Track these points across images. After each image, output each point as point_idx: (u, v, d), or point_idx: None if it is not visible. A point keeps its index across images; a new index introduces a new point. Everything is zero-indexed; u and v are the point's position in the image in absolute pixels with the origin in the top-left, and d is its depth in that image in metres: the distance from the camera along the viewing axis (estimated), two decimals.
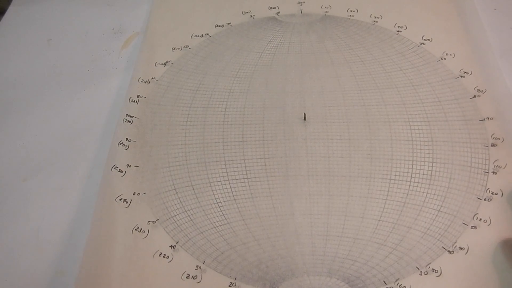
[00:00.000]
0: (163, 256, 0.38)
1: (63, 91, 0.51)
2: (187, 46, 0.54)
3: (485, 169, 0.41)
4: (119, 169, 0.42)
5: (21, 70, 0.53)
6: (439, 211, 0.39)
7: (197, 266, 0.37)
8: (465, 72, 0.49)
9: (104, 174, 0.42)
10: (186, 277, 0.37)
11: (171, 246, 0.38)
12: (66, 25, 0.58)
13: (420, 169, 0.42)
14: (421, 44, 0.52)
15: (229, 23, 0.56)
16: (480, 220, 0.39)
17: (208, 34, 0.55)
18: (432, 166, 0.42)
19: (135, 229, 0.39)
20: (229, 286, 0.36)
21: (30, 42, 0.56)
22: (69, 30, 0.58)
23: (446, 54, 0.51)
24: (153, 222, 0.40)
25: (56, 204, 0.41)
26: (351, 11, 0.56)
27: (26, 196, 0.42)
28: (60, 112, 0.49)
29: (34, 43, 0.56)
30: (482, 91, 0.47)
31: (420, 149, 0.43)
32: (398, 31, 0.54)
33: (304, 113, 0.46)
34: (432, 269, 0.36)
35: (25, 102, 0.50)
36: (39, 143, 0.46)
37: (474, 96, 0.47)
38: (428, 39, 0.53)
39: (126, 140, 0.44)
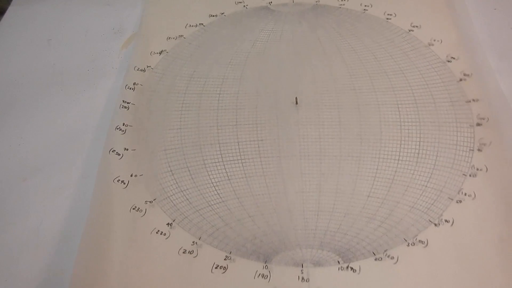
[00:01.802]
0: (160, 233, 0.39)
1: (63, 91, 0.51)
2: (182, 35, 0.55)
3: (470, 147, 0.43)
4: (117, 152, 0.44)
5: (21, 70, 0.53)
6: (425, 186, 0.41)
7: (193, 242, 0.39)
8: (452, 57, 0.50)
9: (102, 156, 0.43)
10: (183, 252, 0.38)
11: (168, 224, 0.40)
12: (66, 25, 0.58)
13: (408, 149, 0.43)
14: (409, 30, 0.54)
15: (222, 13, 0.57)
16: (465, 194, 0.40)
17: (202, 24, 0.56)
18: (419, 146, 0.43)
19: (133, 208, 0.40)
20: (225, 259, 0.38)
21: (30, 42, 0.57)
22: (69, 30, 0.58)
23: (434, 40, 0.52)
24: (150, 202, 0.41)
25: (55, 204, 0.42)
26: (341, 0, 0.58)
27: (26, 196, 0.42)
28: (60, 112, 0.49)
29: (34, 43, 0.57)
30: (468, 74, 0.48)
31: (408, 130, 0.45)
32: (387, 18, 0.55)
33: (296, 97, 0.47)
34: (419, 240, 0.38)
35: (25, 102, 0.50)
36: (39, 143, 0.46)
37: (461, 80, 0.48)
38: (417, 26, 0.54)
39: (123, 125, 0.46)
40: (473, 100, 0.46)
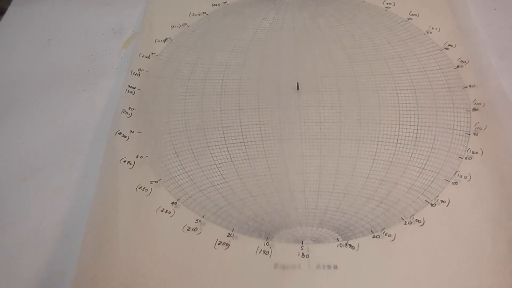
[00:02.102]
0: (165, 212, 0.40)
1: (63, 91, 0.51)
2: (186, 24, 0.56)
3: (466, 131, 0.44)
4: (123, 134, 0.45)
5: (21, 70, 0.53)
6: (423, 168, 0.42)
7: (197, 220, 0.40)
8: (449, 45, 0.51)
9: (109, 138, 0.45)
10: (187, 230, 0.39)
11: (172, 203, 0.41)
12: (66, 25, 0.58)
13: (406, 132, 0.45)
14: (408, 19, 0.55)
15: (225, 2, 0.58)
16: (461, 176, 0.41)
17: (205, 12, 0.58)
18: (417, 129, 0.45)
19: (139, 188, 0.42)
20: (227, 236, 0.39)
21: (30, 42, 0.56)
22: (69, 30, 0.57)
23: (432, 28, 0.53)
24: (155, 182, 0.42)
25: (55, 204, 0.42)
26: None
27: (26, 196, 0.42)
28: (60, 112, 0.49)
29: (34, 43, 0.56)
30: (465, 62, 0.50)
31: (406, 114, 0.46)
32: (386, 7, 0.56)
33: (297, 83, 0.48)
34: (416, 219, 0.39)
35: (25, 102, 0.50)
36: (39, 143, 0.46)
37: (458, 67, 0.49)
38: (415, 15, 0.55)
39: (129, 109, 0.47)
40: (470, 86, 0.47)
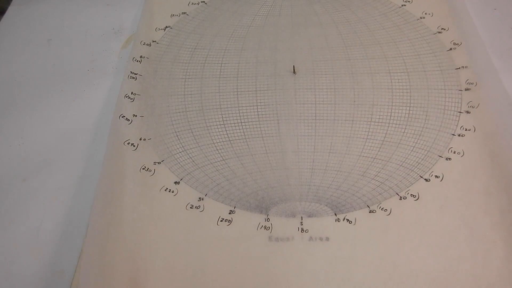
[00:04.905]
0: (169, 191, 0.42)
1: (63, 91, 0.51)
2: (185, 12, 0.58)
3: (459, 110, 0.46)
4: (126, 117, 0.46)
5: (21, 70, 0.53)
6: (414, 146, 0.43)
7: (199, 198, 0.41)
8: (442, 28, 0.53)
9: (113, 122, 0.46)
10: (190, 207, 0.41)
11: (175, 182, 0.42)
12: (66, 25, 0.58)
13: (398, 113, 0.46)
14: (402, 5, 0.56)
15: None
16: (454, 152, 0.43)
17: (204, 1, 0.59)
18: (409, 110, 0.46)
19: (143, 168, 0.43)
20: (229, 213, 0.40)
21: (30, 42, 0.56)
22: (69, 30, 0.58)
23: (425, 13, 0.55)
24: (158, 163, 0.44)
25: (56, 204, 0.42)
26: None
27: (26, 196, 0.42)
28: (60, 112, 0.49)
29: (34, 43, 0.56)
30: (458, 44, 0.51)
31: (399, 96, 0.47)
32: None
33: (294, 66, 0.50)
34: (411, 194, 0.41)
35: (25, 102, 0.50)
36: (39, 143, 0.46)
37: (450, 49, 0.51)
38: (409, 1, 0.57)
39: (132, 93, 0.48)
40: (462, 67, 0.49)
